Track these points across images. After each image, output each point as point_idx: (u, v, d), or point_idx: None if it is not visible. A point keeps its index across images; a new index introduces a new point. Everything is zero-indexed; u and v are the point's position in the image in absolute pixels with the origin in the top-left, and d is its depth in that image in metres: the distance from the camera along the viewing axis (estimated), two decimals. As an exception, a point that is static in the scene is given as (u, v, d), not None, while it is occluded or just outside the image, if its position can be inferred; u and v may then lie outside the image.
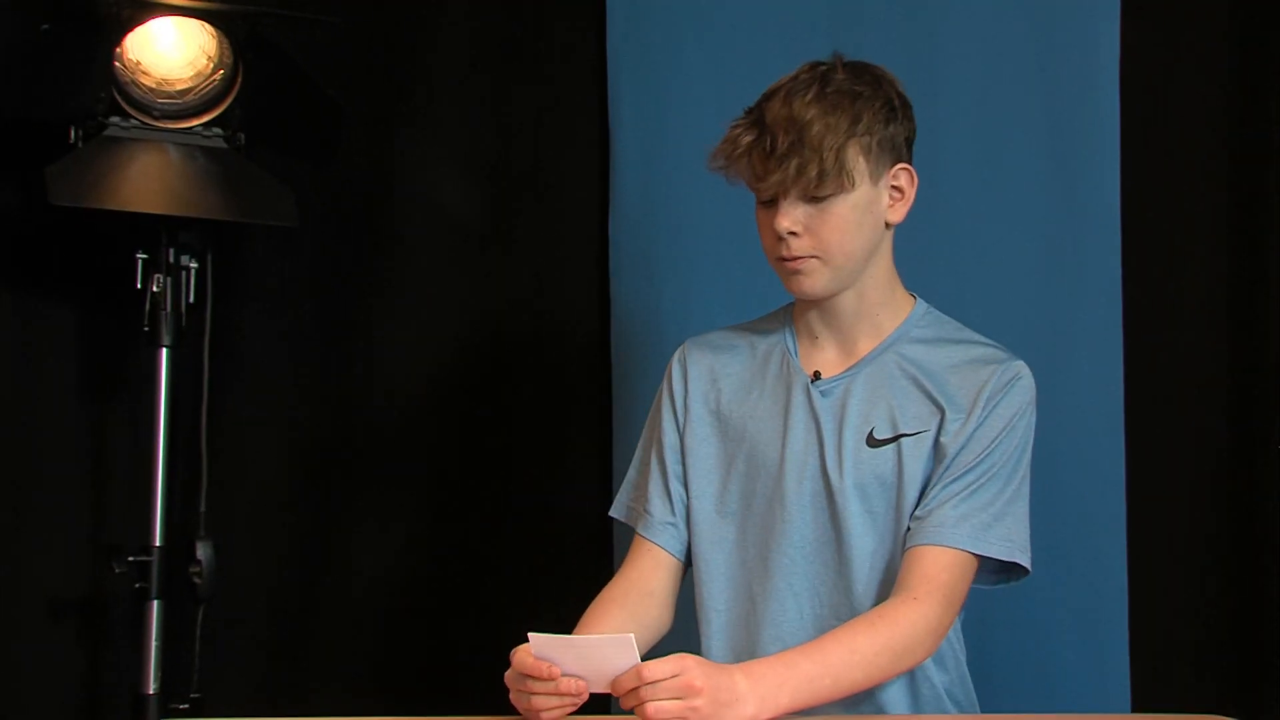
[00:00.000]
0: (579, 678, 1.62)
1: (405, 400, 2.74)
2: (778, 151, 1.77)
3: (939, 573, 1.77)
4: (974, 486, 1.80)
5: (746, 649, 1.87)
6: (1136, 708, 2.39)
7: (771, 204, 1.83)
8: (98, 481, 2.60)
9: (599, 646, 1.63)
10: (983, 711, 1.95)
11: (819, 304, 1.90)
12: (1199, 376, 2.48)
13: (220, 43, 2.38)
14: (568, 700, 1.63)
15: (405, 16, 2.75)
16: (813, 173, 1.77)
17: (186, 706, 2.42)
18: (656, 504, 1.97)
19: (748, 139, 1.81)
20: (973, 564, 1.81)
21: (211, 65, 2.39)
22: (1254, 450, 2.44)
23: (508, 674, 1.68)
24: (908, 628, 1.74)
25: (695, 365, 1.99)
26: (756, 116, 1.82)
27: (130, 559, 2.40)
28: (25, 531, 2.54)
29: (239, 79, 2.40)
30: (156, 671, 2.40)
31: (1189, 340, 2.48)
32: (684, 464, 1.96)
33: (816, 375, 1.91)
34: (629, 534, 2.02)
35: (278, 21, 2.42)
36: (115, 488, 2.60)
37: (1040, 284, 2.48)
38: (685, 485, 1.96)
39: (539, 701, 1.63)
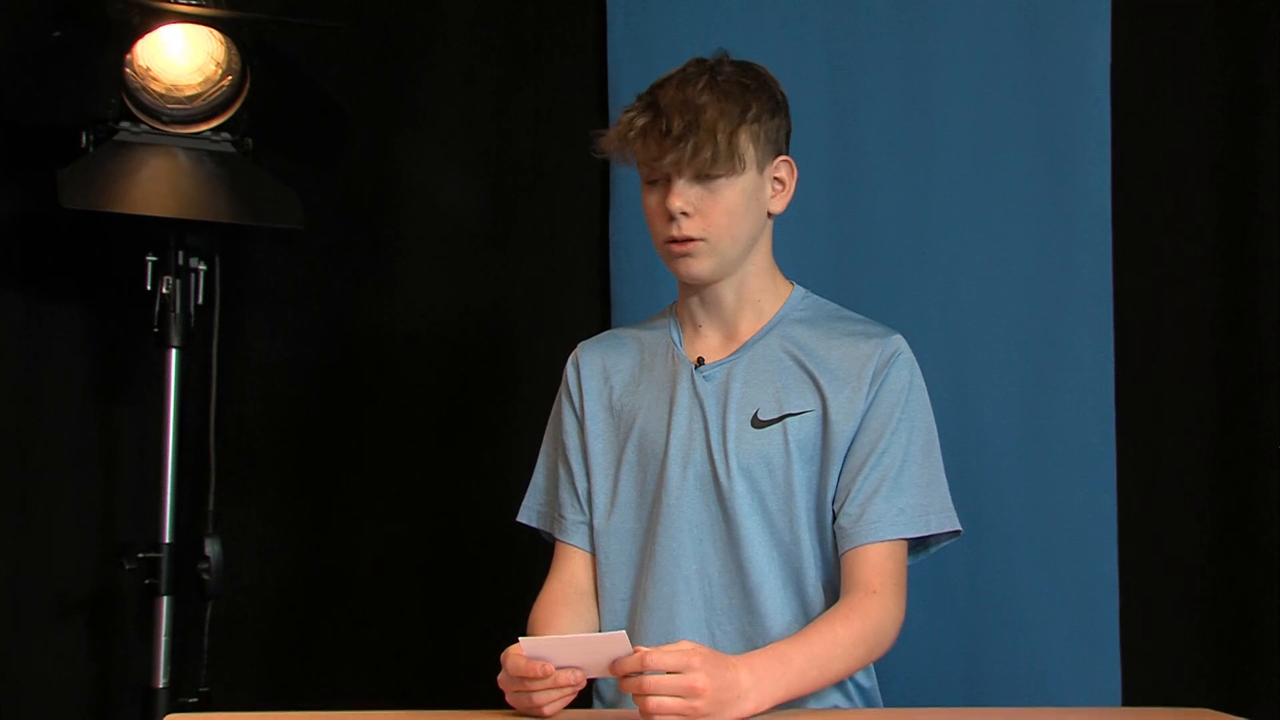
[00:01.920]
0: (574, 668, 1.65)
1: (410, 400, 2.75)
2: (673, 132, 1.83)
3: (885, 562, 1.83)
4: (894, 472, 1.85)
5: (642, 633, 1.90)
6: (1127, 701, 2.40)
7: (662, 186, 1.87)
8: (108, 480, 2.63)
9: (591, 644, 1.66)
10: (970, 705, 1.97)
11: (701, 294, 1.95)
12: (1190, 378, 2.48)
13: (228, 49, 2.40)
14: (567, 690, 1.67)
15: (408, 19, 2.76)
16: (707, 153, 1.83)
17: (195, 700, 2.44)
18: (569, 507, 2.02)
19: (642, 121, 1.86)
20: (906, 544, 1.87)
21: (220, 71, 2.41)
22: (1242, 451, 2.45)
23: (500, 677, 1.71)
24: (877, 621, 1.80)
25: (588, 365, 2.04)
26: (650, 101, 1.88)
27: (140, 556, 2.42)
28: (37, 529, 2.57)
29: (246, 85, 2.42)
30: (166, 666, 2.42)
31: (1180, 342, 2.49)
32: (586, 463, 2.00)
33: (700, 361, 1.95)
34: (521, 534, 2.08)
35: (283, 28, 2.45)
36: (125, 486, 2.62)
37: (1032, 286, 2.48)
38: (589, 482, 2.00)
39: (539, 697, 1.67)
